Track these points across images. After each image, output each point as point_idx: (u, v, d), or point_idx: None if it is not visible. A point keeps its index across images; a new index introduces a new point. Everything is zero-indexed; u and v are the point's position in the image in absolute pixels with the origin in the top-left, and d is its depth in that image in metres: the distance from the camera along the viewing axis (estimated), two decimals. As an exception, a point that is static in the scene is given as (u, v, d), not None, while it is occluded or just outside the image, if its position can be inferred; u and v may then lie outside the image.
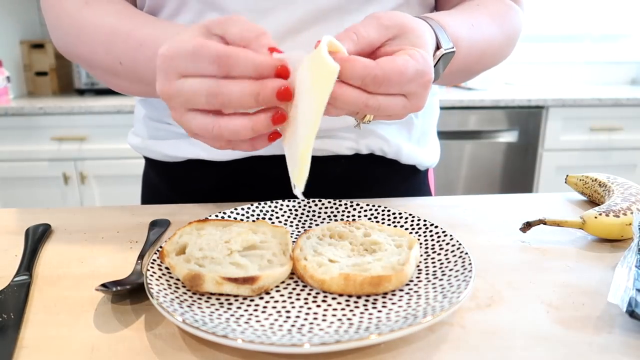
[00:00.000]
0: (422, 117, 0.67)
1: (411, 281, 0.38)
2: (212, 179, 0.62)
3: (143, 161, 0.70)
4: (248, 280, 0.35)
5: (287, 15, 0.53)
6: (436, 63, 0.46)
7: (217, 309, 0.34)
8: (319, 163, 0.60)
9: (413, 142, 0.66)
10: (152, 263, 0.39)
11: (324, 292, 0.37)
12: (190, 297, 0.36)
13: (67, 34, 0.53)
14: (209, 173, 0.62)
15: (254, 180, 0.61)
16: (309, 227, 0.50)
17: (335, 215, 0.52)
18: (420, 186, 0.71)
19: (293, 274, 0.40)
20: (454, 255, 0.40)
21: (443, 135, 1.91)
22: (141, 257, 0.43)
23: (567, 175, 0.61)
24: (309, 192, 0.59)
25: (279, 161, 0.59)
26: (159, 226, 0.51)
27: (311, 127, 0.34)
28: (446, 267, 0.39)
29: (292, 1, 0.53)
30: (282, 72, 0.36)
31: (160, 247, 0.40)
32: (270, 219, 0.51)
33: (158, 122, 0.64)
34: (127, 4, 0.54)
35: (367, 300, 0.36)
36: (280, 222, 0.50)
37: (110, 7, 0.51)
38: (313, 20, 0.53)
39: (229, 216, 0.49)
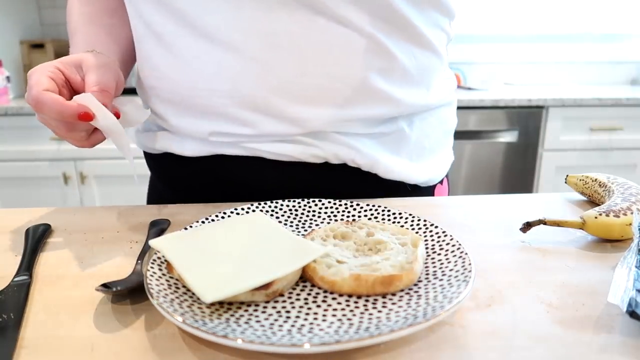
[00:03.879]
0: (420, 131, 0.62)
1: (411, 281, 0.38)
2: (185, 173, 0.63)
3: (143, 161, 0.71)
4: (263, 286, 0.35)
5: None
6: None
7: (217, 309, 0.34)
8: (283, 168, 0.58)
9: (403, 157, 0.61)
10: (152, 263, 0.39)
11: (332, 293, 0.37)
12: (191, 297, 0.36)
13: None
14: (182, 167, 0.62)
15: (224, 178, 0.61)
16: (309, 227, 0.50)
17: (335, 215, 0.52)
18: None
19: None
20: (454, 255, 0.40)
21: (443, 135, 1.90)
22: (141, 257, 0.43)
23: (567, 175, 0.61)
24: (280, 197, 0.58)
25: (243, 162, 0.59)
26: (159, 226, 0.51)
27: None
28: (446, 267, 0.39)
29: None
30: (85, 117, 0.48)
31: (165, 258, 0.40)
32: (270, 219, 0.51)
33: None
34: (104, 7, 0.64)
35: (367, 301, 0.36)
36: (280, 222, 0.50)
37: (84, 9, 0.63)
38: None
39: (229, 216, 0.49)
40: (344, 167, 0.59)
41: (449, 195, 0.71)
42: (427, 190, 0.66)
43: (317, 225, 0.50)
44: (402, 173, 0.61)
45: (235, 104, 0.55)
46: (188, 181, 0.63)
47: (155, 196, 0.71)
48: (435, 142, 0.65)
